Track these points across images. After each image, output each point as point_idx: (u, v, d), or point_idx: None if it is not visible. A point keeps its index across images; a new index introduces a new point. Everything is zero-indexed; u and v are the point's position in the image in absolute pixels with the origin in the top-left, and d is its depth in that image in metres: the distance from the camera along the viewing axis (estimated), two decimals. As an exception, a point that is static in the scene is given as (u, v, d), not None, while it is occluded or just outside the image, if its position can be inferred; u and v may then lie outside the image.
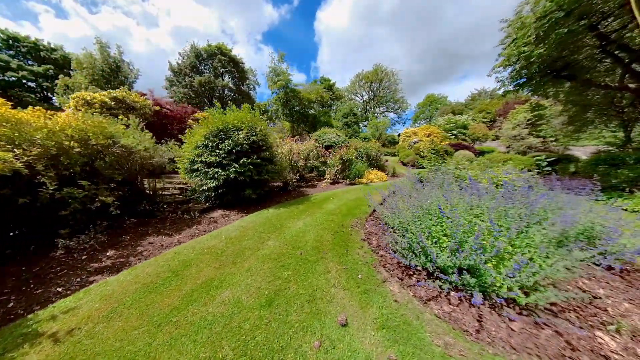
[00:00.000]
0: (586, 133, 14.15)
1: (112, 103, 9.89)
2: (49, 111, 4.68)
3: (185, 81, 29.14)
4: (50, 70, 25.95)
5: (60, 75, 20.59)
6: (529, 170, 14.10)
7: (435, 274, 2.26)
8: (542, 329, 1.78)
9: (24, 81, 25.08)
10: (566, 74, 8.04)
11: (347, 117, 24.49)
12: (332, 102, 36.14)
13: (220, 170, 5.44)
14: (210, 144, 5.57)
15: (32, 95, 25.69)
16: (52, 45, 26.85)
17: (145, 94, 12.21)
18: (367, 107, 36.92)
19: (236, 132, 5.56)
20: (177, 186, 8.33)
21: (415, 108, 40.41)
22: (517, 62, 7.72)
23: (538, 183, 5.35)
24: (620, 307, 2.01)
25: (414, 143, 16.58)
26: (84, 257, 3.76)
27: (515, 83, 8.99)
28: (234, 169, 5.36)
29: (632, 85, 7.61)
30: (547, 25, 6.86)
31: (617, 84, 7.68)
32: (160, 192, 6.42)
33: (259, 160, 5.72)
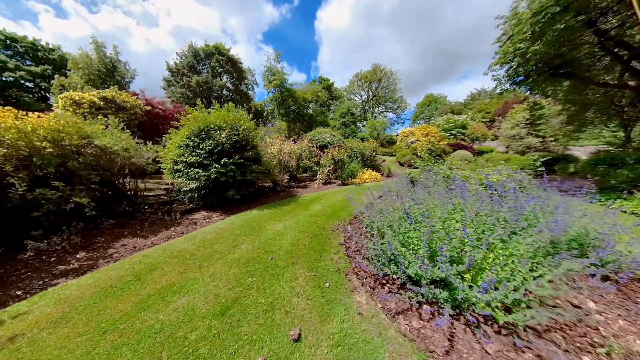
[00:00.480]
0: (586, 133, 13.89)
1: (102, 103, 9.76)
2: (21, 112, 4.55)
3: (182, 81, 29.04)
4: (48, 71, 25.93)
5: (56, 75, 20.54)
6: (522, 169, 13.87)
7: (407, 285, 2.06)
8: (522, 352, 1.57)
9: (22, 81, 25.07)
10: (564, 72, 7.80)
11: (345, 116, 24.28)
12: (330, 102, 35.96)
13: (201, 171, 5.28)
14: (191, 143, 5.41)
15: (30, 96, 25.69)
16: (50, 46, 26.83)
17: (137, 94, 12.08)
18: (366, 107, 36.70)
19: (218, 132, 5.38)
20: (164, 187, 8.16)
21: (415, 108, 40.22)
22: (513, 59, 7.50)
23: (532, 184, 5.14)
24: (614, 325, 1.79)
25: (411, 143, 16.36)
26: (52, 260, 3.65)
27: (511, 81, 8.77)
28: (215, 169, 5.19)
29: (631, 83, 7.36)
30: (543, 20, 6.64)
31: (616, 82, 7.44)
32: (142, 193, 6.25)
33: (241, 160, 5.54)
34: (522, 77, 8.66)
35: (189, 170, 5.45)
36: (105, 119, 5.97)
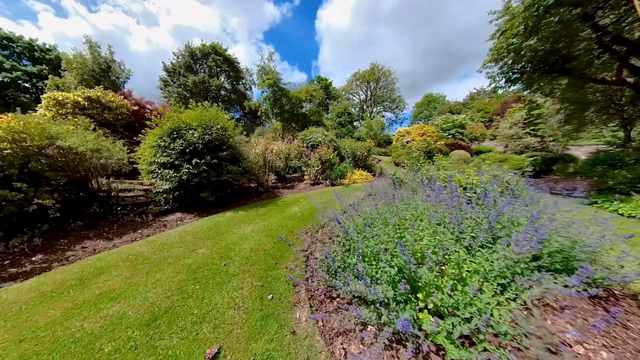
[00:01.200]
0: (585, 132, 13.52)
1: (86, 103, 9.58)
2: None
3: (179, 81, 28.96)
4: (45, 71, 25.93)
5: (50, 75, 20.51)
6: (518, 169, 13.54)
7: (353, 302, 1.80)
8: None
9: (19, 82, 25.10)
10: (559, 69, 7.49)
11: (341, 116, 24.00)
12: (328, 101, 35.71)
13: (172, 172, 5.07)
14: (163, 144, 5.20)
15: (27, 96, 25.71)
16: (46, 46, 26.85)
17: (125, 94, 11.90)
18: (364, 107, 36.37)
19: (190, 132, 5.16)
20: (144, 188, 7.95)
21: (414, 108, 39.83)
22: (507, 55, 7.20)
23: (520, 185, 4.86)
24: (596, 358, 1.50)
25: (407, 143, 16.06)
26: (5, 263, 3.49)
27: (506, 78, 8.46)
28: (186, 170, 4.96)
29: (630, 80, 7.04)
30: (536, 14, 6.34)
31: (614, 78, 7.12)
32: (115, 194, 6.03)
33: (215, 161, 5.30)
34: (517, 75, 8.37)
35: (162, 171, 5.25)
36: (90, 119, 5.80)
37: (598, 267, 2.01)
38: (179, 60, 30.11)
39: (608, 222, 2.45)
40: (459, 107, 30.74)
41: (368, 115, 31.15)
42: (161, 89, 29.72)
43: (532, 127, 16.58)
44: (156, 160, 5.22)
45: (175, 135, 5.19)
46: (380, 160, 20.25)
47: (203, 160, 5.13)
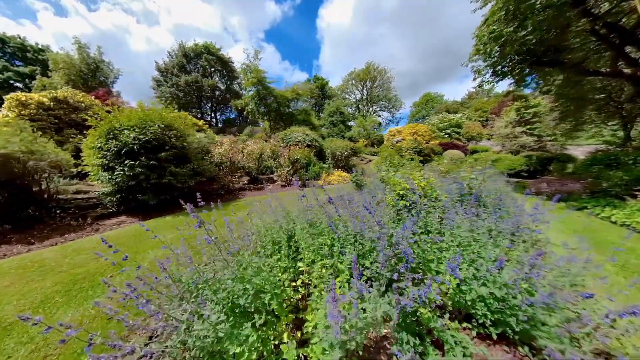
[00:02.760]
0: (584, 132, 12.79)
1: (52, 104, 9.22)
2: None
3: (172, 81, 28.71)
4: (37, 71, 25.86)
5: (38, 76, 20.38)
6: (512, 170, 12.81)
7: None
8: None
9: (11, 82, 25.06)
10: (550, 60, 6.86)
11: (333, 115, 23.42)
12: (324, 101, 35.18)
13: (107, 174, 4.65)
14: (99, 145, 4.79)
15: (19, 96, 25.63)
16: (39, 46, 26.81)
17: (98, 94, 11.55)
18: (360, 106, 35.72)
19: (125, 132, 4.71)
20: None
21: (412, 107, 39.00)
22: (489, 44, 6.59)
23: (503, 190, 4.28)
24: None
25: (397, 142, 15.47)
26: None
27: (492, 71, 7.83)
28: (120, 172, 4.51)
29: (627, 71, 6.39)
30: (518, -2, 5.74)
31: (608, 70, 6.47)
32: (56, 196, 5.58)
33: (154, 162, 4.83)
34: (505, 68, 7.74)
35: (100, 174, 4.83)
36: (57, 120, 5.44)
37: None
38: (172, 60, 29.90)
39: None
40: (456, 107, 29.98)
41: (364, 114, 30.54)
42: (154, 89, 29.51)
43: (528, 126, 15.86)
44: (93, 161, 4.80)
45: (110, 136, 4.76)
46: (370, 161, 19.67)
47: (138, 162, 4.67)
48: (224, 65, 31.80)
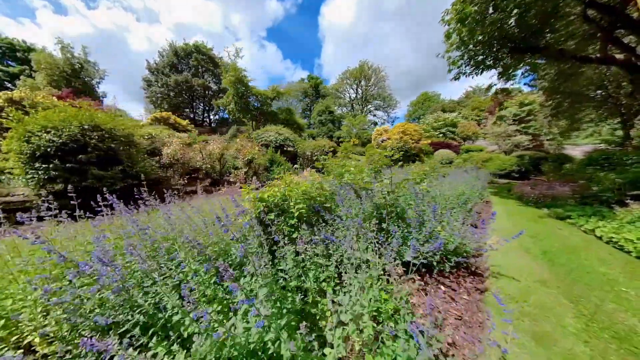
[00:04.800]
0: (581, 130, 11.85)
1: (6, 104, 8.79)
2: None
3: (162, 81, 28.36)
4: (27, 71, 25.74)
5: (22, 77, 20.13)
6: (501, 170, 11.90)
7: None
8: None
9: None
10: (531, 47, 6.04)
11: (322, 115, 22.67)
12: (318, 100, 34.49)
13: (23, 177, 4.12)
14: (16, 147, 4.25)
15: (8, 97, 25.51)
16: (28, 45, 26.70)
17: (61, 96, 11.04)
18: (354, 105, 34.80)
19: (40, 134, 4.17)
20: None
21: (409, 107, 38.03)
22: (458, 25, 5.79)
23: (472, 196, 3.52)
24: None
25: (382, 142, 14.68)
26: None
27: (470, 61, 7.03)
28: (34, 175, 3.98)
29: (619, 57, 5.55)
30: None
31: (599, 56, 5.64)
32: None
33: (73, 165, 4.26)
34: (483, 56, 6.95)
35: (17, 177, 4.29)
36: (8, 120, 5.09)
37: None
38: (163, 59, 29.58)
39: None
40: (452, 106, 28.98)
41: (355, 114, 29.71)
42: (144, 89, 29.21)
43: (522, 125, 14.95)
44: (12, 165, 4.28)
45: (26, 138, 4.22)
46: (359, 160, 18.90)
47: (52, 165, 4.10)
48: (216, 65, 31.36)
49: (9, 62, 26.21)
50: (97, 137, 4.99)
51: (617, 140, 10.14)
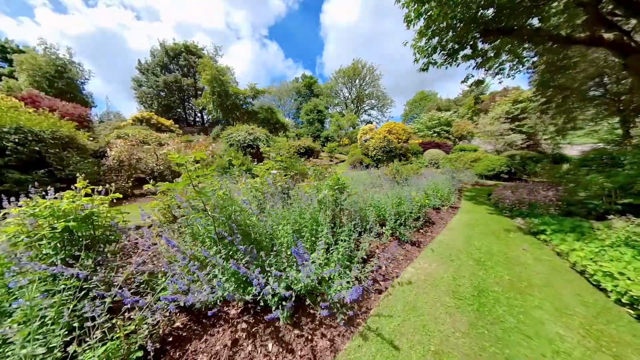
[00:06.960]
0: (579, 129, 10.86)
1: None
2: None
3: (151, 81, 28.06)
4: (16, 71, 25.70)
5: (5, 78, 19.92)
6: (490, 171, 10.97)
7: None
8: None
9: (-9, 84, 24.90)
10: (499, 28, 5.20)
11: (310, 114, 21.95)
12: (309, 99, 33.80)
13: None
14: None
15: None
16: (20, 47, 26.69)
17: (17, 96, 10.53)
18: (347, 104, 33.92)
19: None
20: None
21: (405, 106, 37.04)
22: (416, 5, 5.00)
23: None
24: None
25: (365, 141, 13.88)
26: None
27: (441, 50, 6.22)
28: None
29: (608, 36, 4.69)
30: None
31: (583, 36, 4.77)
32: None
33: None
34: (455, 45, 6.14)
35: None
36: None
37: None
38: (154, 59, 29.31)
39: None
40: (448, 105, 27.94)
41: (344, 113, 28.87)
42: (135, 90, 28.95)
43: (516, 123, 13.97)
44: None
45: None
46: (342, 161, 18.05)
47: None
48: (207, 65, 30.94)
49: (1, 64, 26.26)
50: (16, 140, 4.80)
51: (617, 139, 9.17)
